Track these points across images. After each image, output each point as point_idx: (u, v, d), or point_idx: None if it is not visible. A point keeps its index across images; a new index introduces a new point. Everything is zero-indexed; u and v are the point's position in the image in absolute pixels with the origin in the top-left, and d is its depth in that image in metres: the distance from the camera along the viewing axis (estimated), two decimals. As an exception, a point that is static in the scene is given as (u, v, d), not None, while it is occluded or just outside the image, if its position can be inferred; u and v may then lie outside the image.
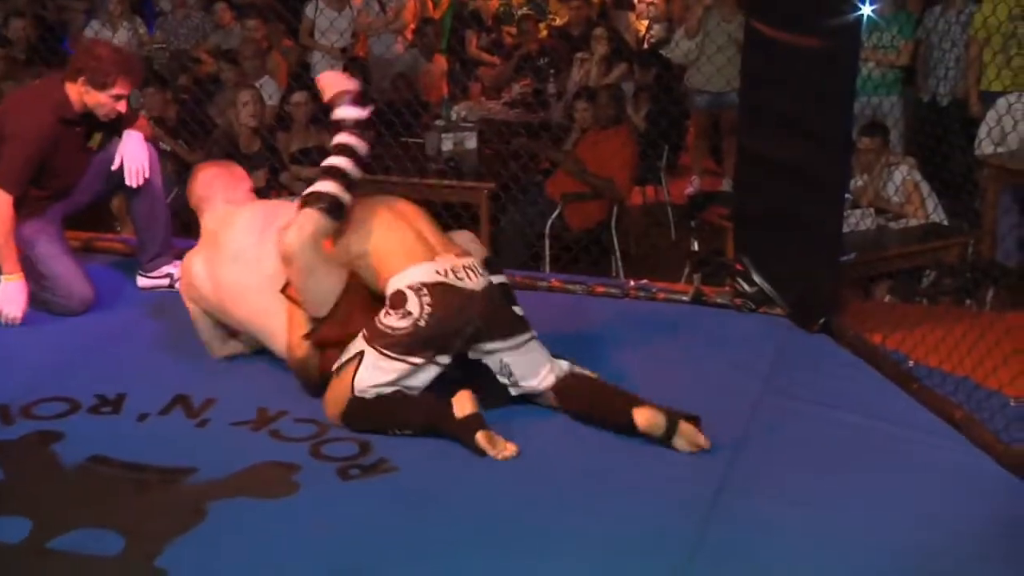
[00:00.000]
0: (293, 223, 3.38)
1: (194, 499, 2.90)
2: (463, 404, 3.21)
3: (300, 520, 2.83)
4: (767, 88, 4.13)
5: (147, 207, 4.29)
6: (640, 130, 7.06)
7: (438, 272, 3.33)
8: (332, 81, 3.64)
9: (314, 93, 6.80)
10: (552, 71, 8.20)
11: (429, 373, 3.33)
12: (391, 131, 6.17)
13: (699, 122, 7.87)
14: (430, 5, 9.01)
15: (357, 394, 3.28)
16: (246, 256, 3.59)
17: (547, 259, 6.03)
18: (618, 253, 6.13)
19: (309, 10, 8.01)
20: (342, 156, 3.51)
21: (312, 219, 3.38)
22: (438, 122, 6.90)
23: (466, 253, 3.49)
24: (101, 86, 3.91)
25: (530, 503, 2.93)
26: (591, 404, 3.37)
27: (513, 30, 9.67)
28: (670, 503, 2.94)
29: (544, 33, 9.41)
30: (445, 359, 3.33)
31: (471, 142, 6.68)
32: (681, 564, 2.68)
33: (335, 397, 3.34)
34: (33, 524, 2.74)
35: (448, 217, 5.99)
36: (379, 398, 3.29)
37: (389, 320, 3.29)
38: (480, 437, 3.14)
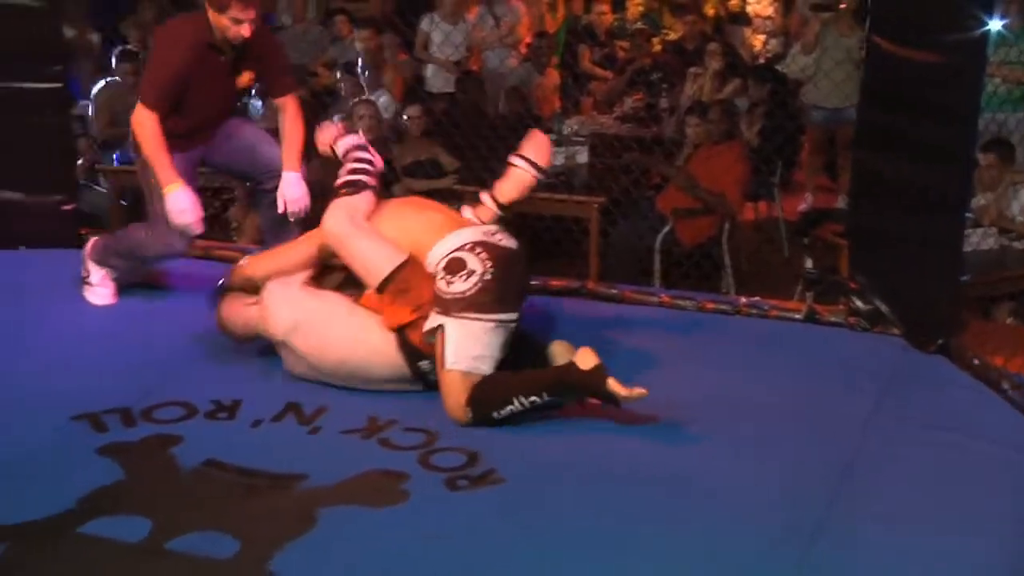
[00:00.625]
0: (331, 210, 3.72)
1: (305, 505, 2.95)
2: (586, 358, 3.32)
3: (408, 529, 2.86)
4: (887, 104, 4.06)
5: (276, 217, 4.36)
6: (753, 145, 6.98)
7: (477, 234, 3.55)
8: (324, 132, 4.11)
9: (428, 107, 6.95)
10: (665, 86, 8.16)
11: (504, 334, 3.45)
12: (504, 143, 6.21)
13: (814, 138, 7.75)
14: (547, 19, 9.04)
15: (455, 368, 3.37)
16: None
17: (657, 274, 6.00)
18: (729, 269, 6.06)
19: (424, 24, 8.09)
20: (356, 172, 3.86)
21: (339, 203, 3.72)
22: (550, 136, 6.90)
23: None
24: (220, 8, 3.98)
25: (636, 518, 2.92)
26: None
27: (626, 44, 9.64)
28: (776, 522, 2.89)
29: (658, 47, 9.37)
30: (512, 316, 3.48)
31: (582, 156, 6.68)
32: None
33: (448, 389, 3.41)
34: (152, 524, 2.82)
35: (558, 231, 6.02)
36: (496, 374, 3.39)
37: (454, 286, 3.40)
38: (612, 382, 3.27)
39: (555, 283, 4.89)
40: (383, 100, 7.27)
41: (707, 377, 3.83)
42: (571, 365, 3.32)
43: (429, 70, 8.06)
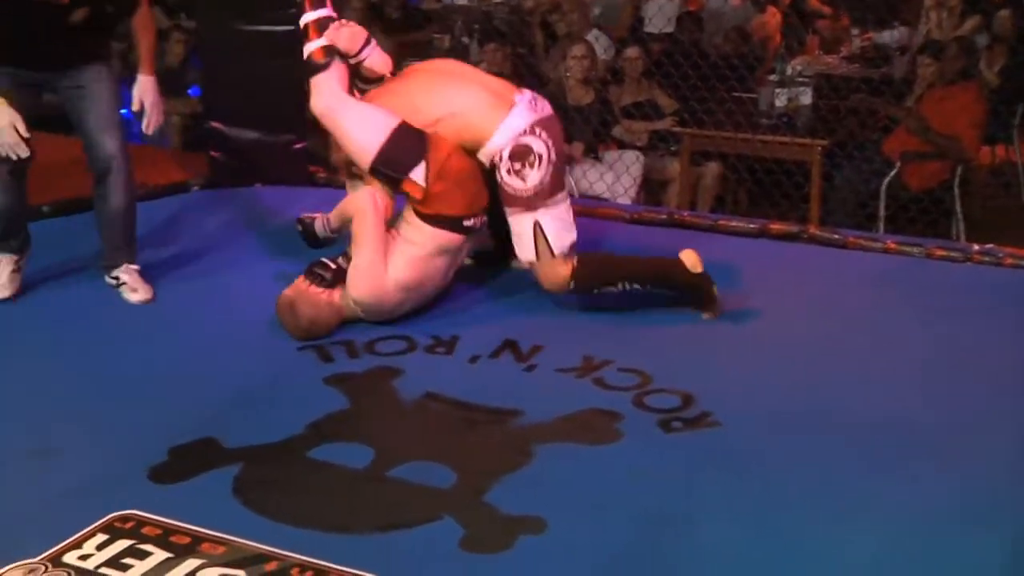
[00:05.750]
0: (313, 90, 3.76)
1: (520, 440, 3.00)
2: (693, 260, 3.52)
3: (621, 467, 2.87)
4: None
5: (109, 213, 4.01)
6: (992, 86, 6.61)
7: (530, 111, 3.58)
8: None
9: (646, 47, 6.87)
10: (896, 23, 7.82)
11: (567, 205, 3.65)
12: (724, 84, 6.10)
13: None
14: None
15: (560, 255, 3.53)
16: None
17: (882, 220, 5.79)
18: (961, 216, 5.79)
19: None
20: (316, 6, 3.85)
21: (325, 77, 3.75)
22: (772, 77, 6.73)
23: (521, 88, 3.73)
24: None
25: (857, 470, 2.84)
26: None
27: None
28: (997, 472, 2.77)
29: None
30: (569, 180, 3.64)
31: (806, 98, 6.47)
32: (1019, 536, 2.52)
33: (550, 274, 3.58)
34: (375, 452, 2.92)
35: (780, 173, 5.88)
36: (603, 255, 3.57)
37: (531, 178, 3.48)
38: (717, 291, 3.45)
39: (775, 227, 4.79)
40: (600, 40, 7.24)
41: (936, 327, 3.69)
42: (679, 262, 3.50)
43: (650, 10, 7.96)
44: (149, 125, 4.02)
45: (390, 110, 3.72)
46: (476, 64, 7.08)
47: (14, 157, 3.61)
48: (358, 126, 3.69)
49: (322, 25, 3.83)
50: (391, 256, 3.64)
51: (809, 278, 4.28)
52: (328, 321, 3.67)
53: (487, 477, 2.80)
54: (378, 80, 3.87)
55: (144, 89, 3.99)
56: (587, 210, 5.20)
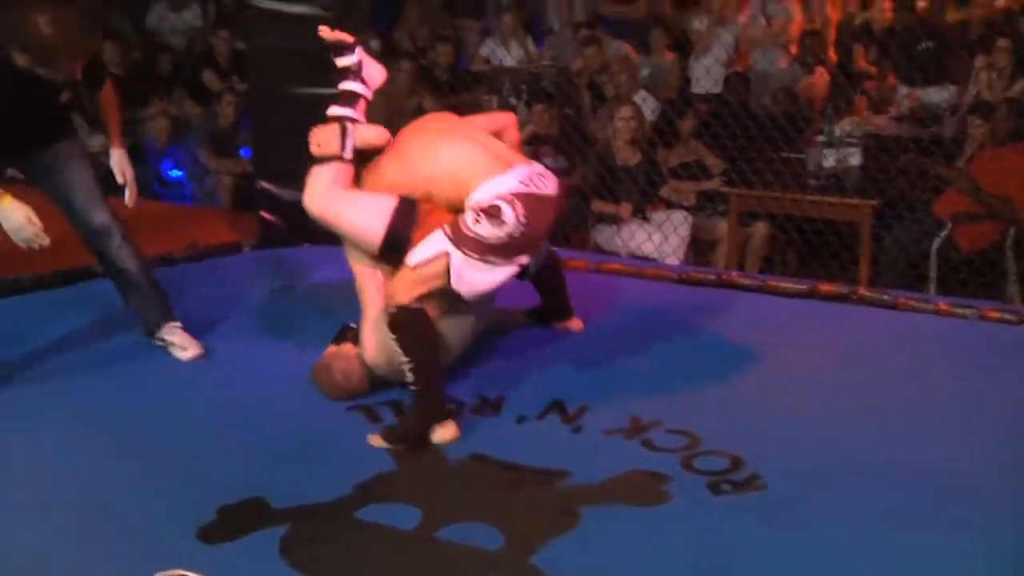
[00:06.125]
0: (306, 187, 3.66)
1: (568, 502, 2.98)
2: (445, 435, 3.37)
3: (670, 530, 2.84)
4: None
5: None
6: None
7: (522, 183, 3.46)
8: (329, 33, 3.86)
9: (694, 108, 6.90)
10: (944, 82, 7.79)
11: (509, 272, 3.50)
12: (772, 145, 6.10)
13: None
14: (821, 17, 8.79)
15: (424, 277, 3.42)
16: None
17: (933, 281, 5.74)
18: (1015, 277, 5.72)
19: (696, 23, 8.04)
20: (344, 105, 3.77)
21: (317, 173, 3.66)
22: (820, 137, 6.73)
23: (530, 159, 3.69)
24: (47, 66, 3.54)
25: (906, 529, 2.79)
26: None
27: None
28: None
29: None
30: (526, 259, 3.53)
31: (855, 158, 6.46)
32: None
33: (397, 280, 3.46)
34: (422, 513, 2.91)
35: (829, 234, 5.85)
36: (435, 340, 3.45)
37: (480, 228, 3.38)
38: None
39: (824, 288, 4.76)
40: (648, 102, 7.28)
41: (990, 387, 3.64)
42: (432, 406, 3.38)
43: (698, 71, 8.00)
44: (131, 198, 4.06)
45: (389, 178, 3.67)
46: (523, 126, 7.17)
47: (36, 247, 3.61)
48: (360, 216, 3.62)
49: (348, 101, 3.79)
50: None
51: (859, 339, 4.24)
52: (361, 374, 3.67)
53: (534, 539, 2.78)
54: (377, 152, 3.79)
55: (122, 163, 4.04)
56: (635, 270, 5.21)
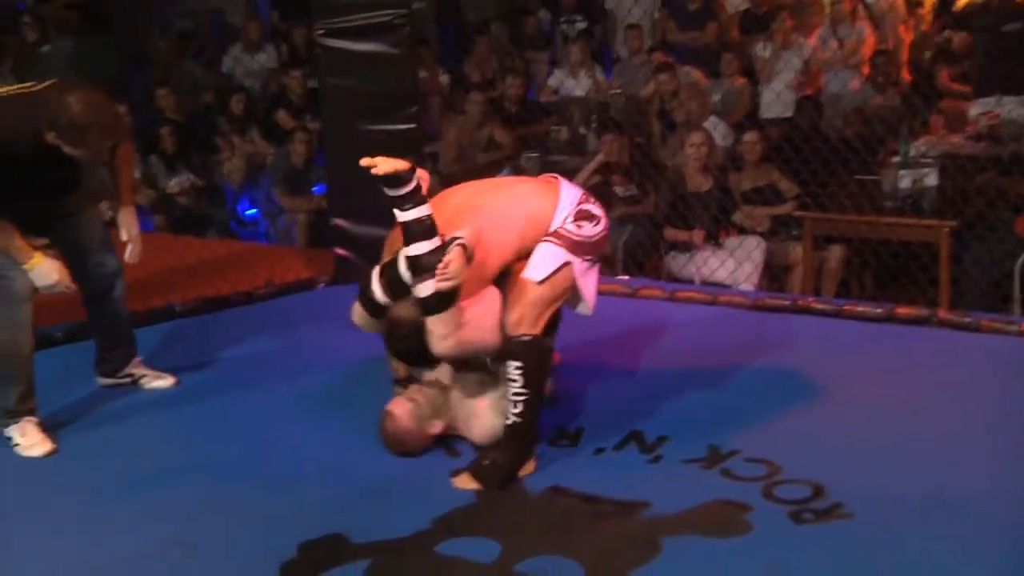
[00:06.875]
0: (433, 336, 3.22)
1: (649, 533, 2.96)
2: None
3: (752, 560, 2.80)
4: None
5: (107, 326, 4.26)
6: None
7: (573, 186, 3.58)
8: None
9: (764, 132, 6.86)
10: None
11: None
12: (846, 167, 6.04)
13: None
14: (897, 34, 8.66)
15: (556, 292, 3.39)
16: None
17: (1017, 302, 5.63)
18: (1100, 295, 5.60)
19: (759, 49, 8.01)
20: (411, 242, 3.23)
21: (437, 320, 3.20)
22: (895, 159, 6.65)
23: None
24: (73, 144, 3.57)
25: (986, 558, 2.73)
26: None
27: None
28: None
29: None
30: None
31: (931, 179, 6.37)
32: None
33: (521, 294, 3.35)
34: (502, 547, 2.91)
35: (906, 256, 5.77)
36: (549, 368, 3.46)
37: (584, 231, 3.43)
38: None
39: (903, 311, 4.69)
40: (719, 128, 7.25)
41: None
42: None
43: (765, 95, 7.96)
44: (134, 255, 4.17)
45: (487, 246, 3.34)
46: (593, 154, 7.17)
47: (70, 291, 3.83)
48: (488, 333, 3.33)
49: (426, 231, 3.21)
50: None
51: (940, 363, 4.17)
52: (416, 433, 3.54)
53: (615, 571, 2.77)
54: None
55: (129, 222, 4.16)
56: (709, 297, 5.18)
